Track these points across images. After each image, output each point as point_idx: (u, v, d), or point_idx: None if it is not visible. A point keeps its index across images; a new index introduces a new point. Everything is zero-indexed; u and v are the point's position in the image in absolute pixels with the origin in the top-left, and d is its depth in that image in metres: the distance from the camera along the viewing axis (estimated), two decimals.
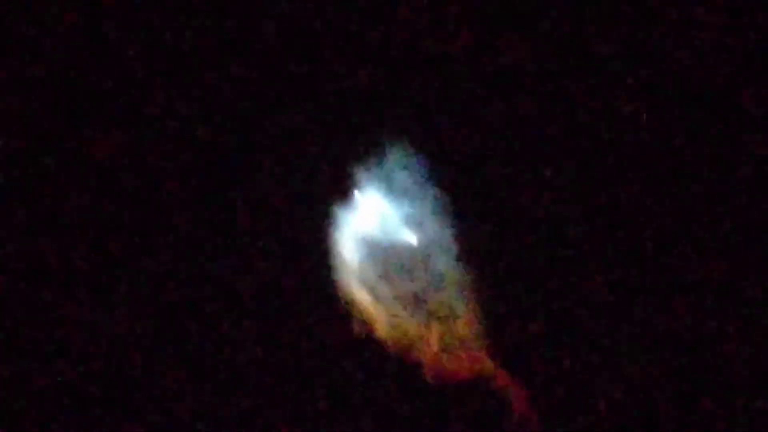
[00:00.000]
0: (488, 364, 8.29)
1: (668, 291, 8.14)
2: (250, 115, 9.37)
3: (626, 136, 8.41)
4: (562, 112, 8.72)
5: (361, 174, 9.05)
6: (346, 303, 8.59)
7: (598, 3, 8.72)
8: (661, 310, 8.11)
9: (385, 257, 8.75)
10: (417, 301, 8.59)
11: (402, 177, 8.96)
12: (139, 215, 9.04)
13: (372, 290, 8.61)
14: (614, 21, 8.62)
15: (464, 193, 8.76)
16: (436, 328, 8.50)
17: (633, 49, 8.56)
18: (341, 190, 9.09)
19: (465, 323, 8.45)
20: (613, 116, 8.49)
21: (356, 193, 9.04)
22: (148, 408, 8.55)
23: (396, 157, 9.00)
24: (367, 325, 8.52)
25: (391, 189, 8.99)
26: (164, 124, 9.10)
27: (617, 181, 8.45)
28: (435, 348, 8.43)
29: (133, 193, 9.02)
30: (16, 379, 8.50)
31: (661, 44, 8.52)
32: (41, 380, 8.59)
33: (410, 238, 8.79)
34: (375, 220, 8.97)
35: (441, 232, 8.69)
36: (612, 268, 8.28)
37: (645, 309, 8.10)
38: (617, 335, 8.10)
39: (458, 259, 8.57)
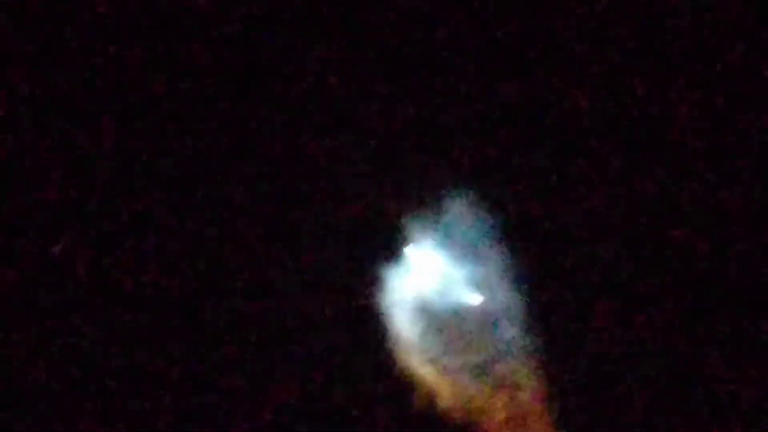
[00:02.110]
0: None
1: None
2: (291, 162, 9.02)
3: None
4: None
5: (417, 230, 8.77)
6: (408, 376, 8.41)
7: None
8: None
9: (449, 327, 8.53)
10: (482, 370, 8.44)
11: (463, 233, 8.69)
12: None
13: (435, 362, 8.42)
14: None
15: (531, 252, 8.56)
16: (501, 398, 8.38)
17: None
18: (395, 250, 8.82)
19: (531, 393, 8.35)
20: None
21: (412, 252, 8.77)
22: None
23: (456, 211, 8.73)
24: (430, 396, 8.36)
25: (451, 247, 8.73)
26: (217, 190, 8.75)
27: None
28: (500, 418, 8.33)
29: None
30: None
31: None
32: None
33: (474, 301, 8.57)
34: (435, 283, 8.73)
35: (507, 295, 8.49)
36: (684, 331, 8.24)
37: (718, 365, 8.10)
38: (689, 406, 8.10)
39: (525, 325, 8.41)
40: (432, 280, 8.73)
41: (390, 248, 8.82)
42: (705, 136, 8.49)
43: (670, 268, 8.42)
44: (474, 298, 8.58)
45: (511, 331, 8.42)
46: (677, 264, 8.39)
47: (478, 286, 8.60)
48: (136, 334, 8.63)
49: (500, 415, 8.31)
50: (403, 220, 8.81)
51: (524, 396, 8.33)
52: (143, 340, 8.62)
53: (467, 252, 8.68)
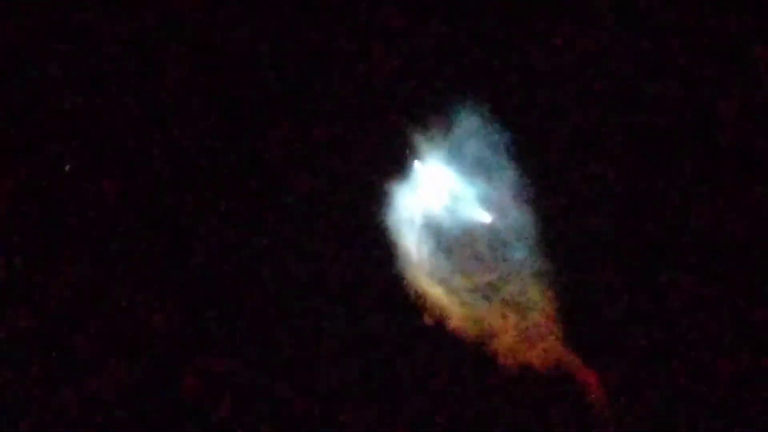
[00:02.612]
0: (565, 355, 8.21)
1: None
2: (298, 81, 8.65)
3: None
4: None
5: (425, 146, 8.48)
6: (417, 296, 8.29)
7: None
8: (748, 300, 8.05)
9: (458, 247, 8.37)
10: (492, 290, 8.33)
11: (474, 149, 8.41)
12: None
13: (444, 282, 8.29)
14: None
15: (544, 169, 8.33)
16: (511, 319, 8.31)
17: None
18: (403, 166, 8.55)
19: (541, 313, 8.27)
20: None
21: (420, 168, 8.51)
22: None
23: (467, 125, 8.42)
24: (440, 317, 8.27)
25: (461, 163, 8.46)
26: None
27: (703, 171, 8.15)
28: (511, 339, 8.28)
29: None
30: None
31: None
32: None
33: (484, 220, 8.38)
34: (444, 201, 8.51)
35: (518, 214, 8.30)
36: (697, 256, 8.10)
37: (730, 300, 8.03)
38: (697, 328, 8.06)
39: (536, 245, 8.26)
40: (441, 198, 8.51)
41: (398, 164, 8.56)
42: None
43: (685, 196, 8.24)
44: (484, 217, 8.38)
45: (521, 251, 8.27)
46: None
47: (489, 204, 8.40)
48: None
49: (510, 335, 8.25)
50: (411, 135, 8.51)
51: (535, 316, 8.26)
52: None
53: (478, 169, 8.43)
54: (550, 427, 8.14)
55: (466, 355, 8.23)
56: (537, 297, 8.24)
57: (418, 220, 8.42)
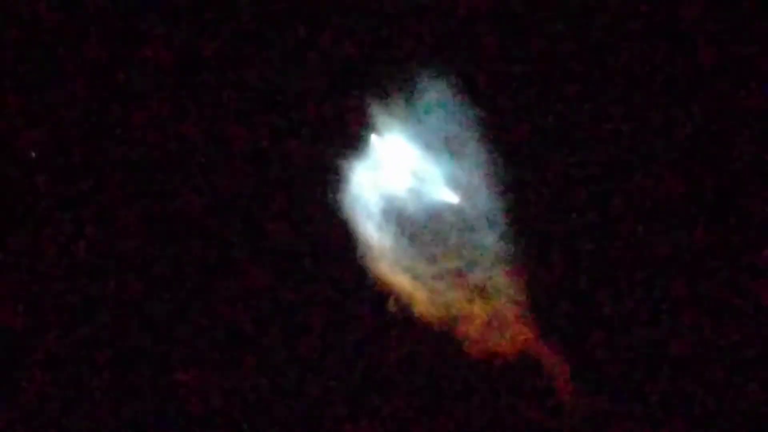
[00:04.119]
0: (532, 341, 7.99)
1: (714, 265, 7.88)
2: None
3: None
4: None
5: (385, 119, 7.95)
6: (381, 284, 7.92)
7: None
8: (708, 282, 7.89)
9: (423, 232, 7.95)
10: (459, 276, 8.00)
11: (440, 124, 7.91)
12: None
13: (409, 270, 7.92)
14: None
15: (515, 147, 7.88)
16: (478, 305, 8.02)
17: None
18: (360, 145, 8.03)
19: (509, 299, 7.99)
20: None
21: (380, 144, 7.99)
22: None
23: (431, 99, 7.89)
24: (405, 304, 7.94)
25: (425, 139, 7.96)
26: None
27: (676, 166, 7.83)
28: (478, 325, 8.01)
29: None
30: None
31: None
32: None
33: (450, 202, 7.95)
34: (407, 181, 8.04)
35: (486, 196, 7.88)
36: (669, 243, 7.87)
37: (693, 287, 7.86)
38: (663, 312, 7.89)
39: (504, 230, 7.91)
40: (404, 178, 8.04)
41: (355, 142, 8.03)
42: None
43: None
44: (451, 199, 7.96)
45: (490, 236, 7.92)
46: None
47: (456, 185, 7.97)
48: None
49: (478, 322, 7.99)
50: (369, 107, 7.96)
51: (502, 303, 7.98)
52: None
53: (444, 146, 7.96)
54: (517, 414, 8.00)
55: (432, 343, 7.96)
56: (505, 283, 7.94)
57: (379, 203, 7.96)
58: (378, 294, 7.91)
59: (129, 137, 7.94)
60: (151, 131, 7.95)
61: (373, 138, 8.03)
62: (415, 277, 7.90)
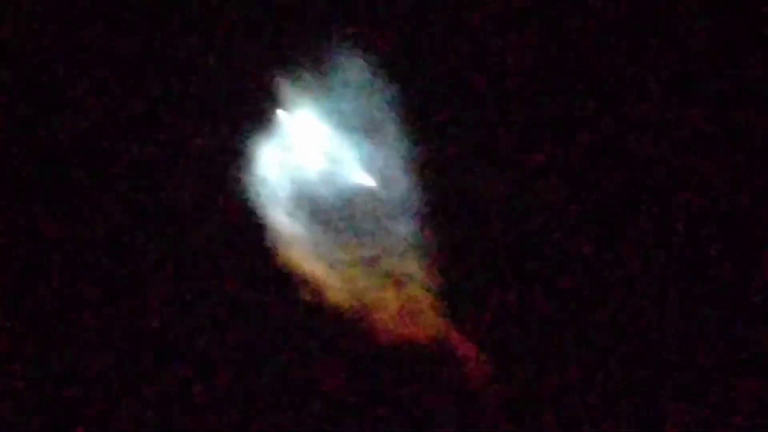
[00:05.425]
0: (445, 329, 7.85)
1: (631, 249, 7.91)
2: None
3: None
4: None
5: (294, 93, 7.50)
6: (293, 270, 7.56)
7: None
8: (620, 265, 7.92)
9: (336, 219, 7.61)
10: (373, 264, 7.73)
11: (354, 103, 7.53)
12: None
13: (322, 257, 7.58)
14: None
15: (433, 130, 7.59)
16: (392, 292, 7.79)
17: None
18: (267, 123, 7.57)
19: (422, 286, 7.80)
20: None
21: (287, 121, 7.55)
22: None
23: (346, 75, 7.48)
24: (318, 291, 7.62)
25: (339, 120, 7.57)
26: None
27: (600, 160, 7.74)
28: (392, 311, 7.80)
29: None
30: None
31: None
32: None
33: (365, 186, 7.62)
34: (318, 163, 7.66)
35: (402, 181, 7.59)
36: (580, 232, 7.83)
37: (607, 280, 7.88)
38: (576, 301, 7.88)
39: (420, 216, 7.66)
40: (315, 160, 7.66)
41: (262, 120, 7.57)
42: None
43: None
44: (366, 182, 7.64)
45: (405, 224, 7.66)
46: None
47: (370, 169, 7.65)
48: None
49: (392, 308, 7.77)
50: (276, 80, 7.50)
51: (416, 290, 7.79)
52: None
53: (358, 127, 7.61)
54: (429, 401, 7.89)
55: (345, 330, 7.71)
56: (418, 270, 7.74)
57: (290, 187, 7.56)
58: (291, 281, 7.55)
59: None
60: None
61: (282, 115, 7.58)
62: (329, 265, 7.59)
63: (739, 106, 7.55)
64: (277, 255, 7.51)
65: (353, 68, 7.48)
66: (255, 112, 7.53)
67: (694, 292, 7.72)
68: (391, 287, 7.75)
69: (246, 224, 7.47)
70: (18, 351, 7.33)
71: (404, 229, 7.64)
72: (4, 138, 7.30)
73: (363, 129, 7.57)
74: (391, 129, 7.51)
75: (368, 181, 7.61)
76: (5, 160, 7.30)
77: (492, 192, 7.71)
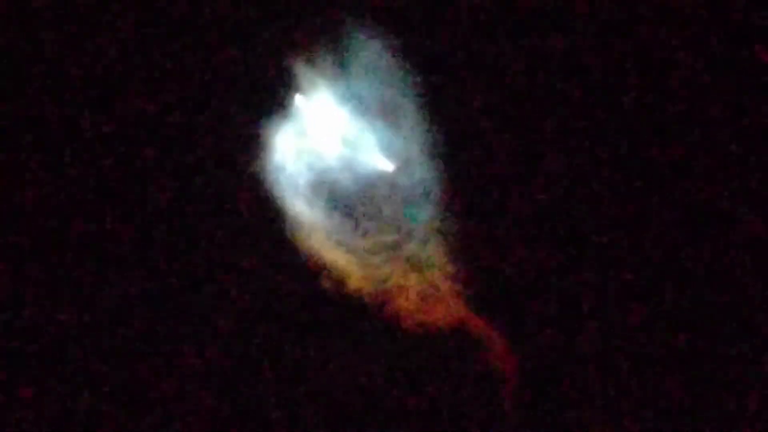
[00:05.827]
0: (467, 315, 7.79)
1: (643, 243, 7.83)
2: None
3: None
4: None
5: (315, 82, 7.38)
6: (314, 259, 7.48)
7: None
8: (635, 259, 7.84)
9: (356, 206, 7.52)
10: (393, 250, 7.65)
11: (374, 88, 7.39)
12: None
13: (342, 244, 7.50)
14: None
15: (455, 116, 7.47)
16: (413, 278, 7.72)
17: None
18: (286, 109, 7.45)
19: (443, 272, 7.72)
20: None
21: (305, 106, 7.43)
22: None
23: (365, 59, 7.34)
24: (339, 278, 7.56)
25: (359, 105, 7.44)
26: None
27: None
28: (412, 298, 7.73)
29: None
30: None
31: None
32: None
33: (384, 171, 7.50)
34: (336, 149, 7.55)
35: (423, 166, 7.47)
36: (595, 219, 7.73)
37: (620, 263, 7.79)
38: (595, 286, 7.80)
39: (440, 202, 7.57)
40: (332, 144, 7.55)
41: (281, 105, 7.45)
42: None
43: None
44: (386, 168, 7.53)
45: (425, 209, 7.57)
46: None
47: (391, 154, 7.54)
48: None
49: (412, 295, 7.71)
50: (296, 69, 7.38)
51: (437, 276, 7.72)
52: None
53: (379, 112, 7.48)
54: (453, 388, 7.86)
55: (366, 317, 7.66)
56: (440, 256, 7.66)
57: (308, 173, 7.46)
58: (311, 268, 7.48)
59: None
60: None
61: (299, 101, 7.47)
62: (349, 251, 7.51)
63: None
64: (297, 243, 7.43)
65: (371, 52, 7.33)
66: (273, 98, 7.41)
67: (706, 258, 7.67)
68: (412, 274, 7.69)
69: (265, 212, 7.38)
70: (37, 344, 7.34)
71: (426, 214, 7.56)
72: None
73: (381, 113, 7.45)
74: (410, 112, 7.39)
75: (387, 165, 7.51)
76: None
77: (511, 172, 7.63)
